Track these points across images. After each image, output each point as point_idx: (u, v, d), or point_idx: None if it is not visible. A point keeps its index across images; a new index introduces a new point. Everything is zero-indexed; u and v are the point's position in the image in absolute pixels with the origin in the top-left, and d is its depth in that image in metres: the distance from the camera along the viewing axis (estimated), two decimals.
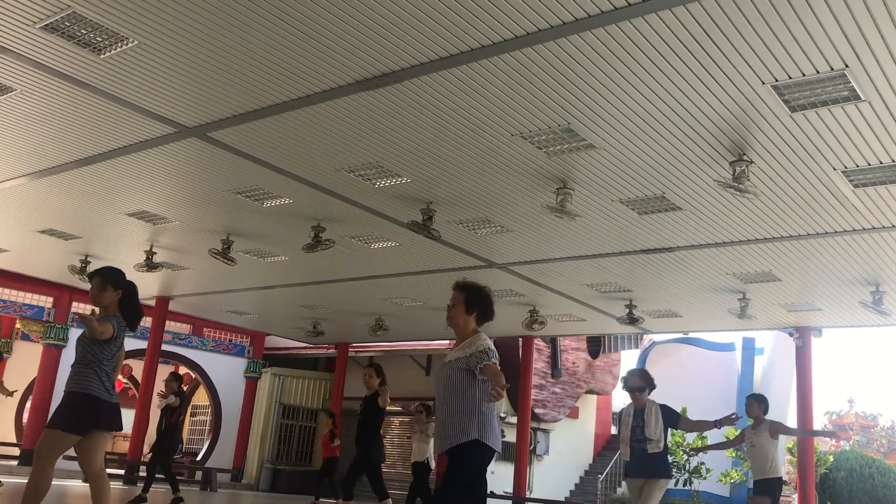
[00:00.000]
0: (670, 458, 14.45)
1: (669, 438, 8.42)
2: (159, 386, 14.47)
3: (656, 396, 8.62)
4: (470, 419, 4.28)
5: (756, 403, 8.44)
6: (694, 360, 17.65)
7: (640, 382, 6.75)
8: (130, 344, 17.13)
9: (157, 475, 10.22)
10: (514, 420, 15.80)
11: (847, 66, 4.94)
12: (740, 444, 8.82)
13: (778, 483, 8.37)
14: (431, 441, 10.82)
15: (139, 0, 4.96)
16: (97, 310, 4.95)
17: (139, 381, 17.00)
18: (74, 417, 4.79)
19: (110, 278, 5.08)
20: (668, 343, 18.10)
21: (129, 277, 5.21)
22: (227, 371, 18.75)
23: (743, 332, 16.61)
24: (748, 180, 6.30)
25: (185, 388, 10.59)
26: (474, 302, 4.57)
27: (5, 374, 17.81)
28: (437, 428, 4.45)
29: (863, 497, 15.89)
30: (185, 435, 21.37)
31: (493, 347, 4.42)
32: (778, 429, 8.37)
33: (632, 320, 11.49)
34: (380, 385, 8.30)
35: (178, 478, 10.72)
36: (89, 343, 4.87)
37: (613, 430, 20.73)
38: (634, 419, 6.64)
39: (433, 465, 11.05)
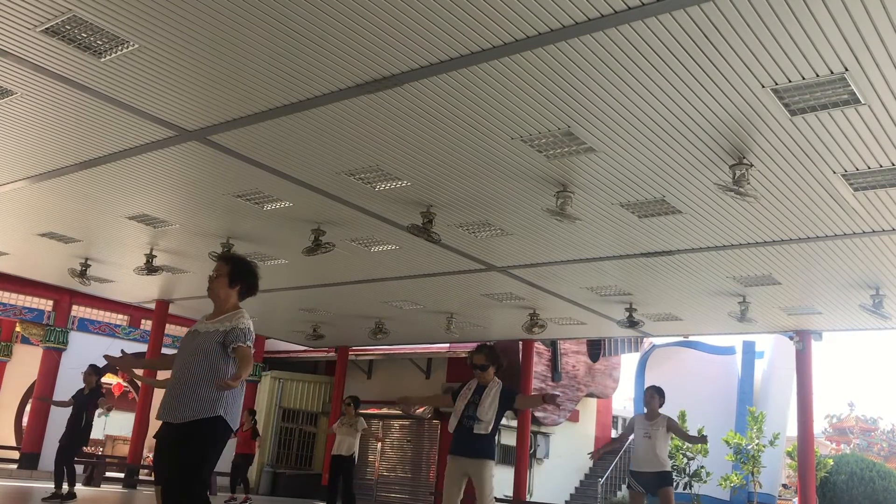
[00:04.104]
0: (670, 462, 14.53)
1: (669, 443, 8.36)
2: (160, 388, 14.49)
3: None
4: (219, 394, 4.12)
5: (658, 396, 8.26)
6: (694, 364, 17.63)
7: (484, 360, 6.39)
8: (130, 347, 17.28)
9: (65, 467, 9.91)
10: (514, 423, 15.78)
11: (847, 69, 4.94)
12: (629, 435, 8.50)
13: (670, 475, 8.28)
14: (358, 435, 10.76)
15: (140, 3, 4.97)
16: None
17: (139, 384, 16.99)
18: None
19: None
20: (668, 346, 18.08)
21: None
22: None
23: (743, 336, 16.60)
24: (748, 184, 6.29)
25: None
26: (238, 275, 4.45)
27: (5, 377, 17.82)
28: (173, 395, 4.14)
29: (863, 501, 15.87)
30: None
31: (252, 329, 4.29)
32: (672, 426, 8.18)
33: (632, 324, 11.48)
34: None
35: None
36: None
37: (614, 434, 20.72)
38: (473, 394, 6.36)
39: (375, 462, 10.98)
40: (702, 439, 8.68)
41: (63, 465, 9.86)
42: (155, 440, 4.20)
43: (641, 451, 8.07)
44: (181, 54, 5.57)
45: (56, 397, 15.66)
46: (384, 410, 18.09)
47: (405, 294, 12.30)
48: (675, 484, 14.40)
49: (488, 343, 6.84)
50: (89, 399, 10.02)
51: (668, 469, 8.21)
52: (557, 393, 6.46)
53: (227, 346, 4.19)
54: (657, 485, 8.00)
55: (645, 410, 8.34)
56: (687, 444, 14.54)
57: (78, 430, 9.90)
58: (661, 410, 8.21)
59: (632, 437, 8.35)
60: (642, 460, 8.05)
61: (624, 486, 19.17)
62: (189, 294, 14.14)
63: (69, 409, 10.18)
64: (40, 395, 10.52)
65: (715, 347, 17.62)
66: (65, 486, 9.85)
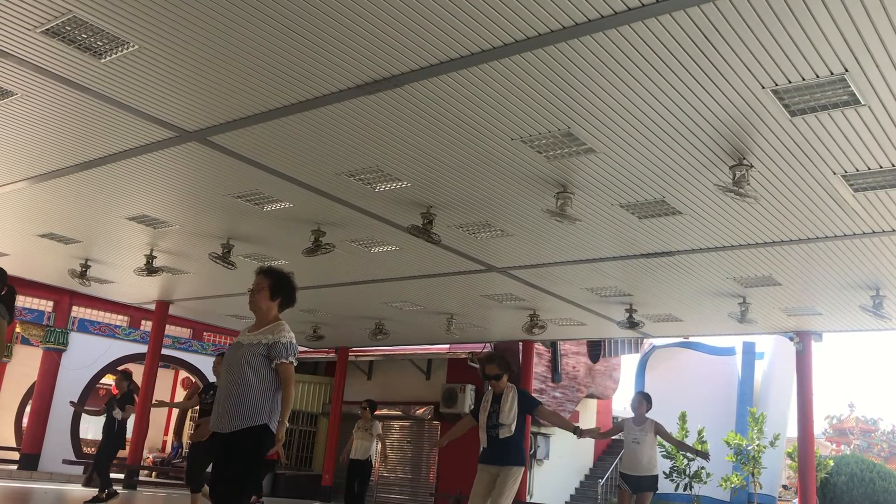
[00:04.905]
0: (671, 463, 14.53)
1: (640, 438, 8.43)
2: (159, 390, 14.51)
3: (658, 403, 8.68)
4: (264, 403, 4.32)
5: (645, 402, 8.55)
6: (694, 365, 17.63)
7: (497, 370, 6.40)
8: (130, 348, 17.29)
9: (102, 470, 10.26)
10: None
11: (847, 70, 4.94)
12: (616, 433, 8.88)
13: (656, 479, 8.51)
14: (374, 439, 10.79)
15: (140, 4, 4.97)
16: None
17: (139, 385, 16.99)
18: None
19: None
20: (668, 347, 18.07)
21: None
22: None
23: (743, 337, 16.59)
24: (748, 184, 6.30)
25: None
26: (279, 288, 4.63)
27: (5, 378, 17.83)
28: (223, 407, 4.33)
29: (863, 502, 15.87)
30: (185, 439, 21.38)
31: (293, 342, 4.46)
32: (660, 430, 8.47)
33: (632, 324, 11.48)
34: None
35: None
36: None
37: None
38: (492, 405, 6.38)
39: (375, 462, 11.02)
40: (701, 454, 8.74)
41: (102, 469, 10.20)
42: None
43: (633, 455, 8.40)
44: (181, 54, 5.57)
45: (56, 398, 15.71)
46: (384, 411, 18.09)
47: (405, 295, 12.30)
48: (675, 485, 14.57)
49: (497, 353, 6.91)
50: (118, 404, 10.30)
51: (657, 473, 8.60)
52: (597, 431, 6.53)
53: (271, 359, 4.38)
54: (647, 487, 8.38)
55: (633, 416, 8.62)
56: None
57: (112, 435, 10.21)
58: (647, 415, 8.53)
59: (621, 436, 8.64)
60: (635, 465, 8.38)
61: None
62: (189, 295, 14.13)
63: (73, 413, 10.45)
64: (71, 401, 11.82)
65: (715, 348, 17.61)
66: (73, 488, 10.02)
